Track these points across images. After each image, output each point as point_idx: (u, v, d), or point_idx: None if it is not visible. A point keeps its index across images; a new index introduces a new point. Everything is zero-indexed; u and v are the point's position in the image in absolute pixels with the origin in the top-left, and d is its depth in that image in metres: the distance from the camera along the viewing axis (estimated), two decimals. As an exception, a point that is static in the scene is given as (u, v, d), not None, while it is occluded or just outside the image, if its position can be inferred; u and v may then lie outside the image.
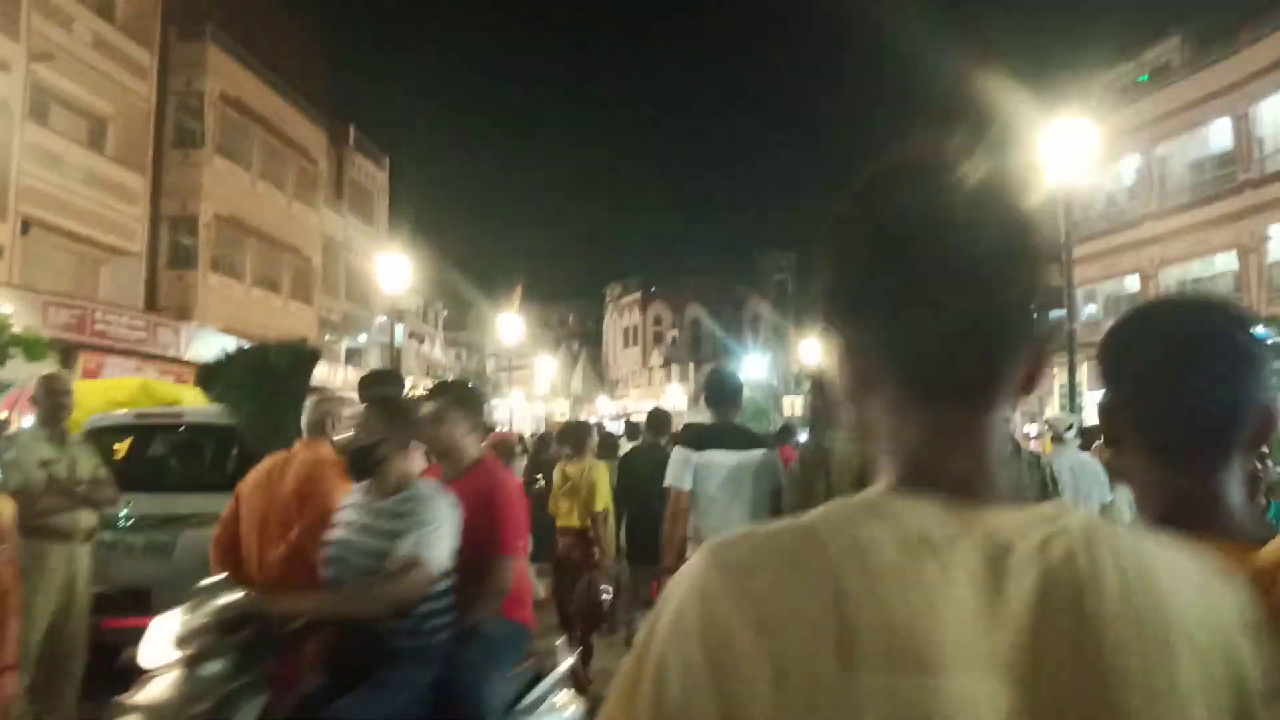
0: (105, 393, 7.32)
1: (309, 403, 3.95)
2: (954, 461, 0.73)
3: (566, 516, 6.16)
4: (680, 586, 0.71)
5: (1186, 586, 0.70)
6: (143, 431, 5.63)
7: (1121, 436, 1.21)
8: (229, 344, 21.85)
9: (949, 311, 0.72)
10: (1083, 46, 28.02)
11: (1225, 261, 23.14)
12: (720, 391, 4.53)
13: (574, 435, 6.55)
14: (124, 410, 5.99)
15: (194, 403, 6.60)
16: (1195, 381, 1.13)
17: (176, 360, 20.80)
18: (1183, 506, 1.13)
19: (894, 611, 0.64)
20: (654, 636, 0.70)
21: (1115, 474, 1.27)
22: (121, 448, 5.52)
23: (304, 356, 5.01)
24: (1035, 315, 0.75)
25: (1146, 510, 1.21)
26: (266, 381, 4.78)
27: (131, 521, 5.11)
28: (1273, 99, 21.29)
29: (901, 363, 0.74)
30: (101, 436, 5.39)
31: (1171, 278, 24.93)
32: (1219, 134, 22.80)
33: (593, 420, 14.31)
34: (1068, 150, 9.38)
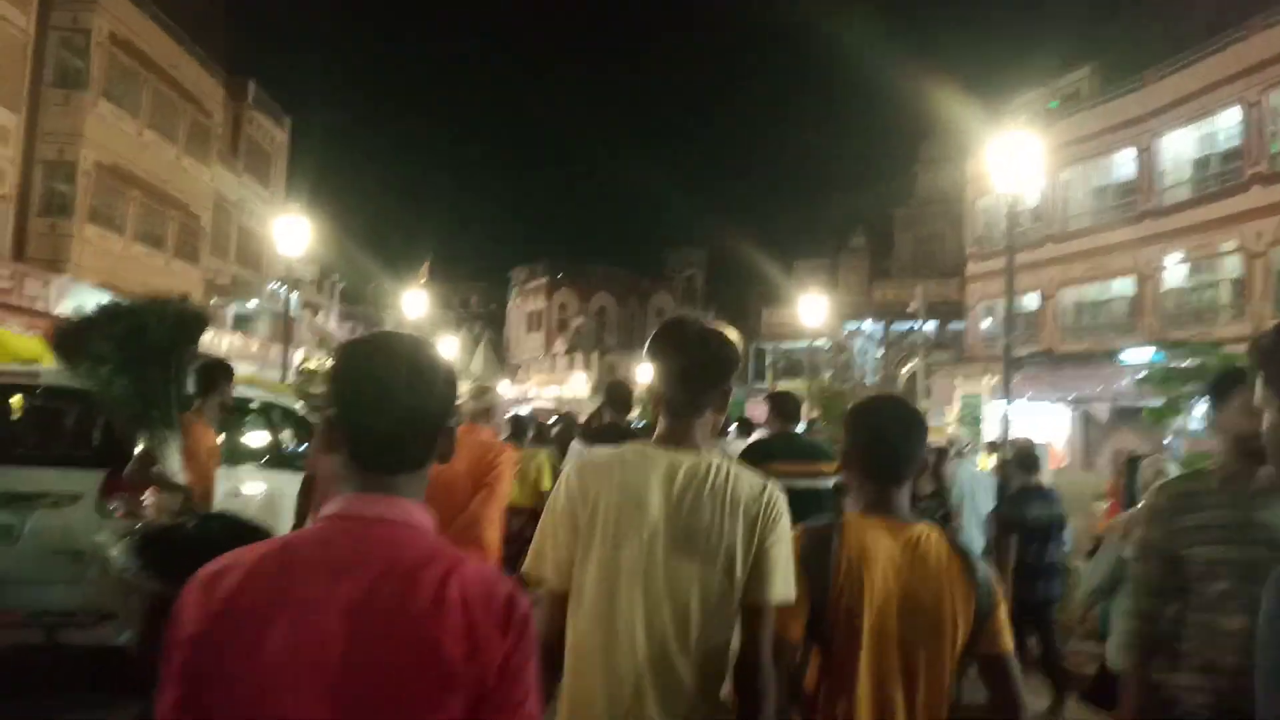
0: (-50, 346, 6.34)
1: (469, 390, 4.44)
2: (672, 433, 2.03)
3: (517, 498, 6.64)
4: (566, 470, 2.11)
5: (747, 483, 1.96)
6: (-10, 392, 4.81)
7: (853, 465, 2.28)
8: (104, 300, 20.19)
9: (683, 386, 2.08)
10: (995, 71, 28.65)
11: (1122, 287, 23.92)
12: (615, 397, 5.83)
13: (514, 426, 7.83)
14: (-33, 367, 5.12)
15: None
16: (896, 444, 2.23)
17: (45, 314, 19.23)
18: (876, 502, 2.20)
19: (631, 480, 1.95)
20: (556, 488, 2.05)
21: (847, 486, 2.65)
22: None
23: (190, 323, 4.13)
24: (724, 386, 2.10)
25: (858, 503, 2.24)
26: (142, 354, 3.90)
27: (-34, 500, 4.29)
28: (1175, 134, 22.05)
29: (663, 384, 2.11)
30: (-62, 397, 4.56)
31: (1069, 299, 25.67)
32: (1123, 164, 23.54)
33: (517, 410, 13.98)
34: (1011, 163, 9.28)
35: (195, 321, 4.15)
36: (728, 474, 1.96)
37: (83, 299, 20.52)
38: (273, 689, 1.12)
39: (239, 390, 6.01)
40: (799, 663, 2.11)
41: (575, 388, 50.03)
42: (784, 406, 5.60)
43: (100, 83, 22.96)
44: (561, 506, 1.99)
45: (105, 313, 4.40)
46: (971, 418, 22.58)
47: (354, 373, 1.32)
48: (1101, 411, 22.45)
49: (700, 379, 2.03)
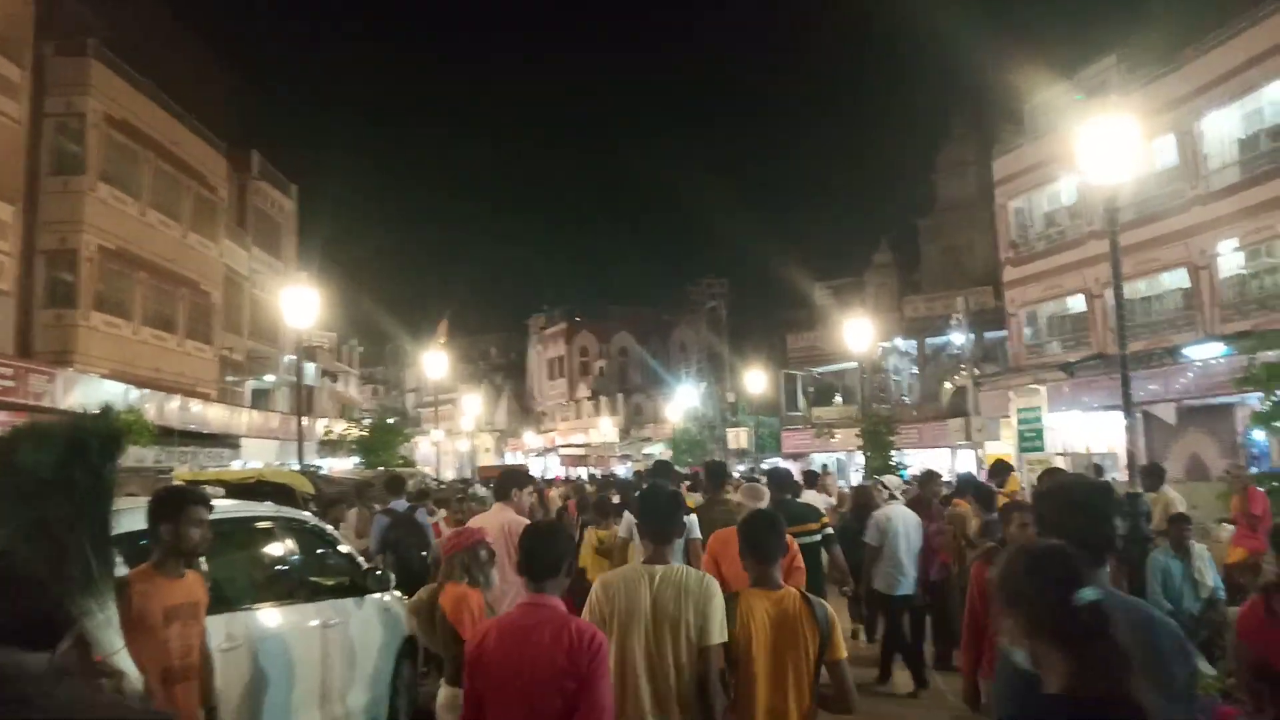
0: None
1: (742, 491, 5.50)
2: (653, 556, 3.68)
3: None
4: (595, 585, 3.68)
5: (693, 576, 3.57)
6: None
7: (745, 554, 3.71)
8: (115, 390, 19.12)
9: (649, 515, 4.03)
10: (1012, 69, 27.69)
11: (1174, 279, 22.65)
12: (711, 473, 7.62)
13: (601, 508, 8.45)
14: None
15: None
16: (766, 543, 3.69)
17: (53, 410, 18.43)
18: (759, 577, 3.63)
19: (629, 592, 3.51)
20: (591, 595, 3.62)
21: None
22: None
23: (86, 444, 2.97)
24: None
25: (750, 578, 3.68)
26: (17, 490, 2.77)
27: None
28: (1218, 114, 20.91)
29: (643, 532, 3.91)
30: None
31: (1117, 297, 24.40)
32: (1163, 150, 22.34)
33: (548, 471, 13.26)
34: (1105, 149, 8.28)
35: (99, 441, 2.98)
36: (683, 574, 3.56)
37: (92, 390, 19.74)
38: (502, 679, 2.92)
39: (233, 510, 4.95)
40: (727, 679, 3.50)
41: (603, 432, 48.94)
42: (779, 480, 7.60)
43: (98, 166, 22.40)
44: (595, 605, 3.54)
45: None
46: (1031, 432, 21.26)
47: (526, 543, 3.25)
48: (1167, 413, 21.08)
49: (668, 525, 3.78)
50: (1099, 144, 8.38)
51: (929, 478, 9.00)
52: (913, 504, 8.57)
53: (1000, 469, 9.24)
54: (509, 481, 6.09)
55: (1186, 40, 21.69)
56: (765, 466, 31.09)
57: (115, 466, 2.96)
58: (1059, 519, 2.60)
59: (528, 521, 5.64)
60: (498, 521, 5.65)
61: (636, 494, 7.88)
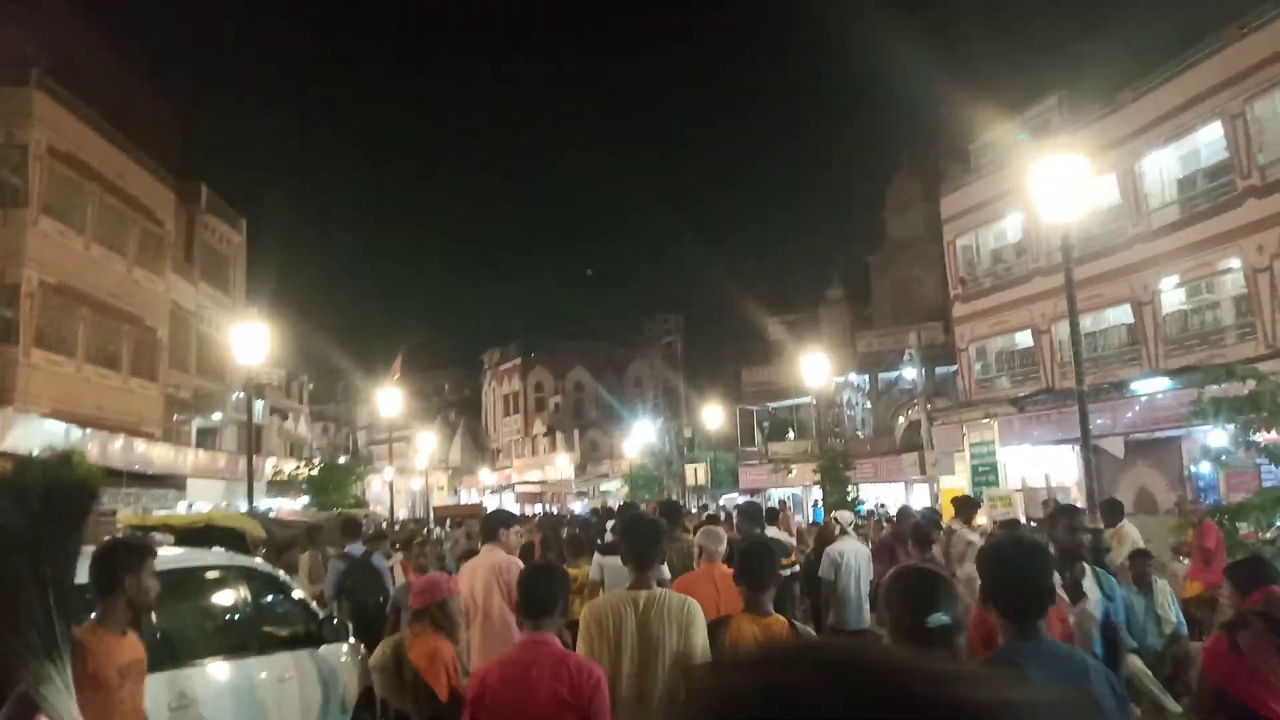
0: None
1: (700, 534, 5.62)
2: (637, 582, 3.94)
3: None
4: (584, 610, 4.02)
5: (676, 600, 3.83)
6: None
7: (740, 581, 4.03)
8: (56, 430, 18.52)
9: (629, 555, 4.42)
10: (958, 109, 28.38)
11: (1118, 315, 23.17)
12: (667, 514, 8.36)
13: (574, 545, 8.40)
14: None
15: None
16: (762, 572, 3.98)
17: (-11, 452, 17.76)
18: (750, 602, 3.93)
19: (618, 615, 3.75)
20: (583, 621, 3.89)
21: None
22: None
23: (64, 495, 2.75)
24: None
25: (742, 602, 4.04)
26: None
27: None
28: (1157, 154, 21.56)
29: (626, 558, 4.23)
30: None
31: (1064, 332, 24.84)
32: (1105, 189, 22.95)
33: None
34: (1057, 187, 8.48)
35: (74, 493, 2.80)
36: (666, 598, 3.79)
37: (32, 430, 19.08)
38: (505, 715, 3.15)
39: (183, 558, 4.75)
40: None
41: (559, 469, 48.57)
42: (750, 515, 8.16)
43: (41, 198, 21.84)
44: (585, 632, 3.74)
45: None
46: (985, 466, 21.51)
47: (525, 583, 3.57)
48: (1115, 446, 21.45)
49: (649, 555, 4.02)
50: (1050, 182, 8.56)
51: (906, 514, 9.04)
52: (891, 539, 8.65)
53: (965, 504, 9.30)
54: (495, 522, 6.24)
55: (1125, 82, 22.42)
56: (723, 502, 31.06)
57: (86, 523, 2.78)
58: (993, 580, 2.83)
59: (518, 560, 5.91)
60: (488, 562, 5.77)
61: (608, 528, 8.27)
